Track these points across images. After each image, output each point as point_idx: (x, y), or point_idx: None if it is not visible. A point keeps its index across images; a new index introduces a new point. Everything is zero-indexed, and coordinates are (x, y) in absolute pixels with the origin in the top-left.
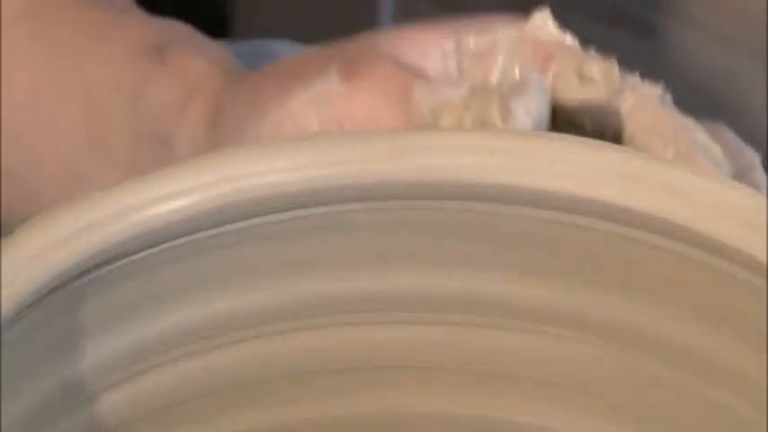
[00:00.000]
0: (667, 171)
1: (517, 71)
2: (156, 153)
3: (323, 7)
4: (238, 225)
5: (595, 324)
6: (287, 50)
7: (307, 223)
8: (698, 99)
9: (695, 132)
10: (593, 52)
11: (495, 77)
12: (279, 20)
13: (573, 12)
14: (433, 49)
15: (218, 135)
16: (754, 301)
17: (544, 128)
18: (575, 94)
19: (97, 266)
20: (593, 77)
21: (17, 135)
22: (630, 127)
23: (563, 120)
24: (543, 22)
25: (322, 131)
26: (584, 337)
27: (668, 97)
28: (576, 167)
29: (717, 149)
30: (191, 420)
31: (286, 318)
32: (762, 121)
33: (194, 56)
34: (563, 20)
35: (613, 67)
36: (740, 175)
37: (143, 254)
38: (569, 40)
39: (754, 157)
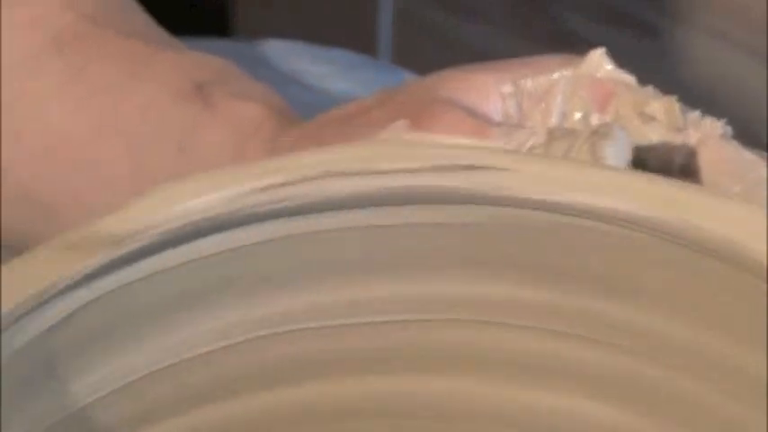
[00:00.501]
0: (673, 189)
1: (576, 112)
2: None
3: (323, 7)
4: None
5: (599, 323)
6: (288, 52)
7: (323, 227)
8: (697, 99)
9: (760, 168)
10: (650, 89)
11: (554, 118)
12: (279, 19)
13: (573, 12)
14: (492, 92)
15: None
16: (755, 303)
17: None
18: (637, 133)
19: (93, 280)
20: (655, 116)
21: (53, 172)
22: (696, 164)
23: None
24: (599, 62)
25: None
26: (587, 335)
27: (729, 131)
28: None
29: None
30: (203, 402)
31: (294, 321)
32: (762, 121)
33: (243, 99)
34: (564, 20)
35: (675, 105)
36: None
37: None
38: (627, 78)
39: None
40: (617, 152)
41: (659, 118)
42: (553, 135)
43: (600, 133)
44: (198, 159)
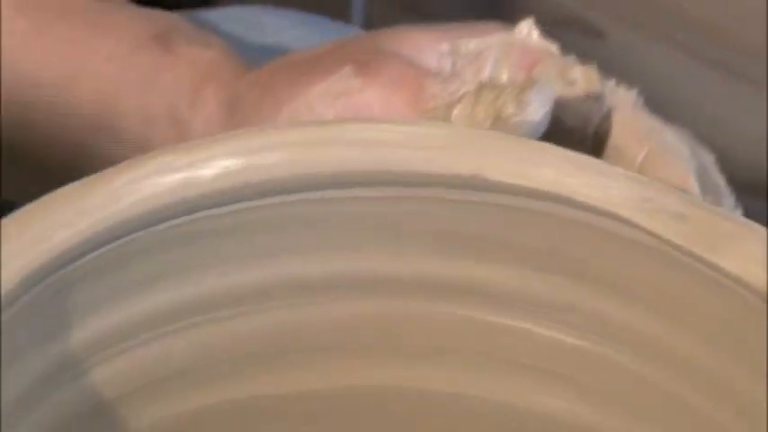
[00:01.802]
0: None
1: (505, 73)
2: (170, 133)
3: None
4: (208, 213)
5: (591, 320)
6: (269, 18)
7: (276, 212)
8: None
9: (665, 133)
10: (573, 57)
11: (485, 78)
12: None
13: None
14: (429, 49)
15: (235, 121)
16: (755, 322)
17: (547, 123)
18: (558, 95)
19: (89, 250)
20: (576, 80)
21: (25, 112)
22: (608, 126)
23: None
24: (528, 30)
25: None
26: (574, 325)
27: (641, 101)
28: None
29: (684, 149)
30: (174, 393)
31: (264, 298)
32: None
33: (201, 46)
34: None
35: (594, 71)
36: (701, 171)
37: (130, 238)
38: (552, 46)
39: (709, 157)
40: (541, 100)
41: (579, 83)
42: (483, 86)
43: (527, 84)
44: (160, 99)
